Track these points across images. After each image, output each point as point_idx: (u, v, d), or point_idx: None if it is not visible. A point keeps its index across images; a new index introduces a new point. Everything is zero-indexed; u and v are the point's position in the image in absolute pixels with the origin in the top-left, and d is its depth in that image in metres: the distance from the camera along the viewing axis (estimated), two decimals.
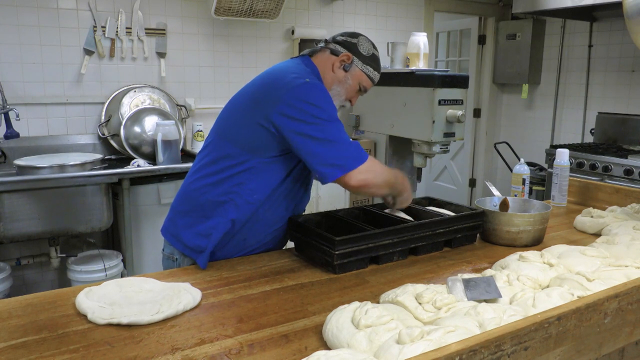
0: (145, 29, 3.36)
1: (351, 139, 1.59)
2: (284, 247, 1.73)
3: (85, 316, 1.15)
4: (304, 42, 3.85)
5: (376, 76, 1.68)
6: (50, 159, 2.77)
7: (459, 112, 3.23)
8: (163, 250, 1.69)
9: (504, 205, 1.85)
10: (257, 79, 1.62)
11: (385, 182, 1.58)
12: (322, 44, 1.69)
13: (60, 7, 3.11)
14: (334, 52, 1.64)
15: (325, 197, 3.65)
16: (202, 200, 1.56)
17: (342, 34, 1.67)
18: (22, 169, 2.64)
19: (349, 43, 1.64)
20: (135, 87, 3.33)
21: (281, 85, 1.49)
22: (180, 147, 3.09)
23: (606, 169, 3.59)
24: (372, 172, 1.53)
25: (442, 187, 5.62)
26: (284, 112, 1.47)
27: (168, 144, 2.95)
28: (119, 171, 2.77)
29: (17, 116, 2.81)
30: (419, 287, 1.17)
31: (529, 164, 4.01)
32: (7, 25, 2.98)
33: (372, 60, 1.66)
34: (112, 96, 3.28)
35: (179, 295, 1.23)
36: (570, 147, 3.83)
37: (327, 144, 1.46)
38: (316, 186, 3.58)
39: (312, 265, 1.51)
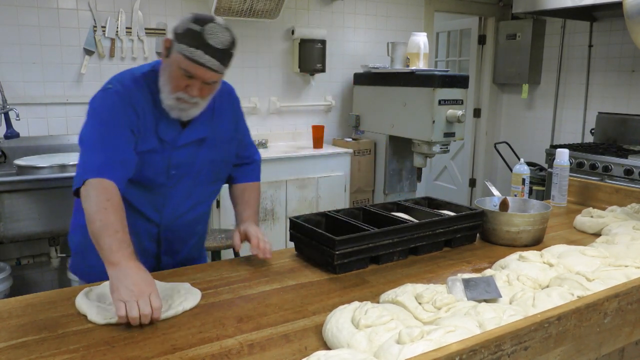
0: (145, 29, 3.36)
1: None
2: (285, 247, 1.73)
3: (85, 316, 1.15)
4: (304, 42, 3.85)
5: (194, 53, 1.31)
6: (50, 159, 2.77)
7: (459, 112, 3.23)
8: None
9: (503, 205, 1.85)
10: None
11: (89, 214, 1.27)
12: None
13: (60, 7, 3.11)
14: None
15: (325, 197, 3.65)
16: None
17: None
18: (22, 169, 2.64)
19: (176, 25, 1.38)
20: None
21: None
22: None
23: (606, 169, 3.59)
24: (85, 197, 1.29)
25: (442, 187, 5.63)
26: None
27: None
28: None
29: (17, 116, 2.81)
30: (419, 287, 1.17)
31: (529, 164, 4.01)
32: (7, 25, 2.98)
33: (186, 36, 1.32)
34: None
35: (179, 295, 1.23)
36: (570, 147, 3.83)
37: (83, 152, 1.37)
38: (316, 186, 3.58)
39: (312, 265, 1.51)
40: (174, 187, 1.51)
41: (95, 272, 1.48)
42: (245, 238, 1.56)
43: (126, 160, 1.37)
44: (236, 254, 1.55)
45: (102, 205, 1.26)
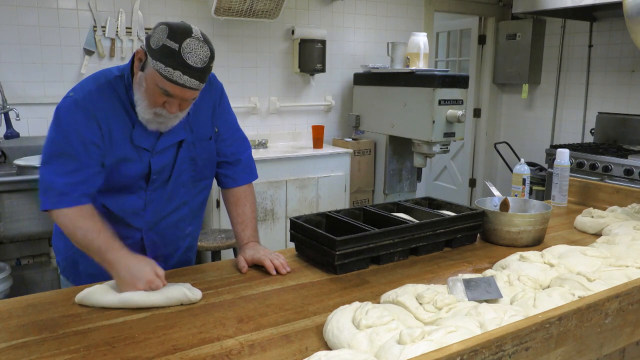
0: (145, 28, 3.36)
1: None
2: (286, 247, 1.72)
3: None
4: (304, 42, 3.84)
5: (173, 74, 1.25)
6: None
7: (459, 112, 3.23)
8: None
9: (504, 206, 1.85)
10: None
11: (76, 237, 1.33)
12: None
13: (60, 7, 3.11)
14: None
15: (325, 197, 3.65)
16: None
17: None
18: (22, 169, 2.64)
19: (148, 35, 1.31)
20: None
21: None
22: None
23: (606, 169, 3.59)
24: (56, 220, 1.34)
25: (442, 187, 5.63)
26: None
27: None
28: None
29: (17, 116, 2.81)
30: (420, 287, 1.17)
31: (529, 164, 4.01)
32: (7, 25, 2.98)
33: (163, 54, 1.25)
34: None
35: (179, 295, 1.23)
36: (571, 147, 3.83)
37: (42, 166, 1.35)
38: (316, 186, 3.58)
39: (312, 265, 1.51)
40: (155, 190, 1.47)
41: (85, 277, 1.49)
42: (253, 263, 1.49)
43: (88, 177, 1.34)
44: (237, 254, 1.54)
45: (76, 220, 1.32)
